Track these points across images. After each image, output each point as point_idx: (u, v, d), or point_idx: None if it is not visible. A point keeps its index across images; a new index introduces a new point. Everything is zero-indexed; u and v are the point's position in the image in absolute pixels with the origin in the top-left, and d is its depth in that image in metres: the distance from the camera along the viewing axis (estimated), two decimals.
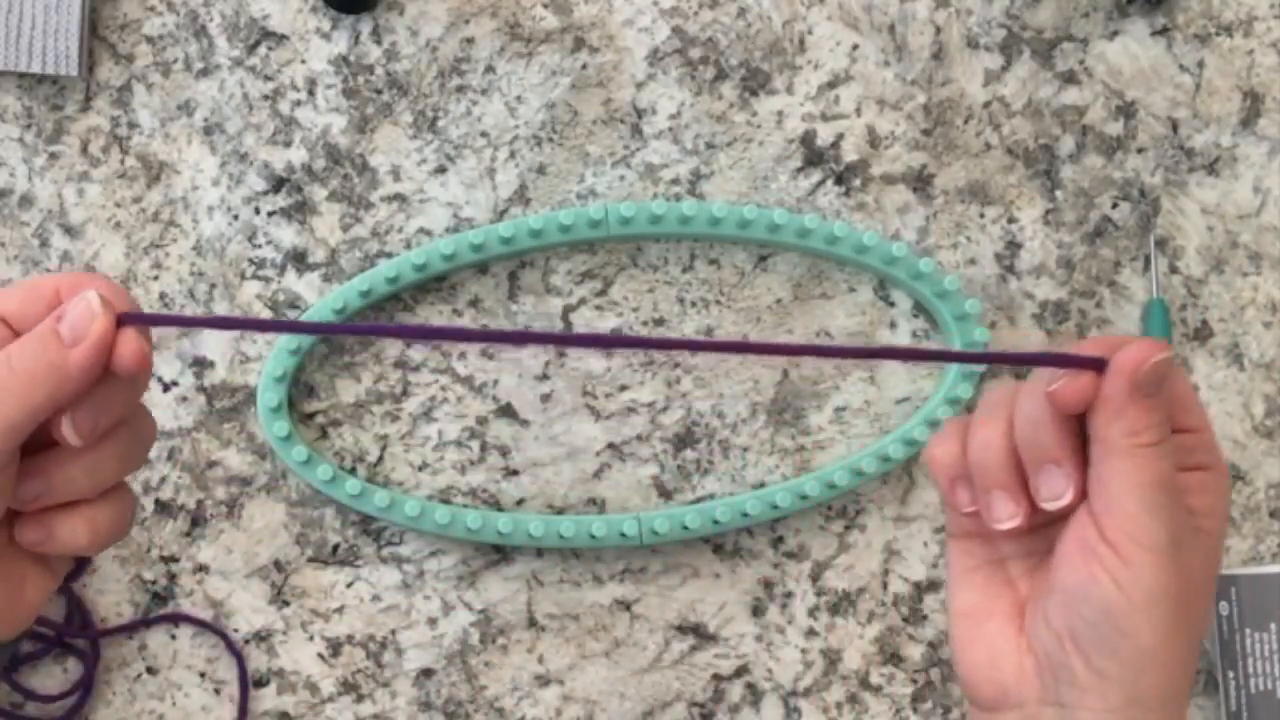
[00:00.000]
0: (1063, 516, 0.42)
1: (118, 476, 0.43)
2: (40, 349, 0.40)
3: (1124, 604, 0.39)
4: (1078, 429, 0.41)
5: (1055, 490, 0.41)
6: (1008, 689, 0.43)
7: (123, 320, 0.41)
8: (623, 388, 0.67)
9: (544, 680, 0.67)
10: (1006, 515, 0.42)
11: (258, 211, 0.67)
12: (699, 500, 0.67)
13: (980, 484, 0.43)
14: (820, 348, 0.43)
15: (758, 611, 0.67)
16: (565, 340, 0.39)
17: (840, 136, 0.67)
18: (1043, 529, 0.44)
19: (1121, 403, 0.40)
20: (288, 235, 0.66)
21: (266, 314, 0.66)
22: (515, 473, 0.67)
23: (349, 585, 0.66)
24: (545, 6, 0.67)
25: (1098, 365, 0.40)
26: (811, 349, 0.42)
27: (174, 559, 0.66)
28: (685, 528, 0.65)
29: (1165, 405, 0.40)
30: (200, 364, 0.66)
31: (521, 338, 0.41)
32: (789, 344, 0.38)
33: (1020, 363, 0.40)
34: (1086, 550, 0.40)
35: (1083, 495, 0.41)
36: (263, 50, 0.67)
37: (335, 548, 0.66)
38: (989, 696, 0.43)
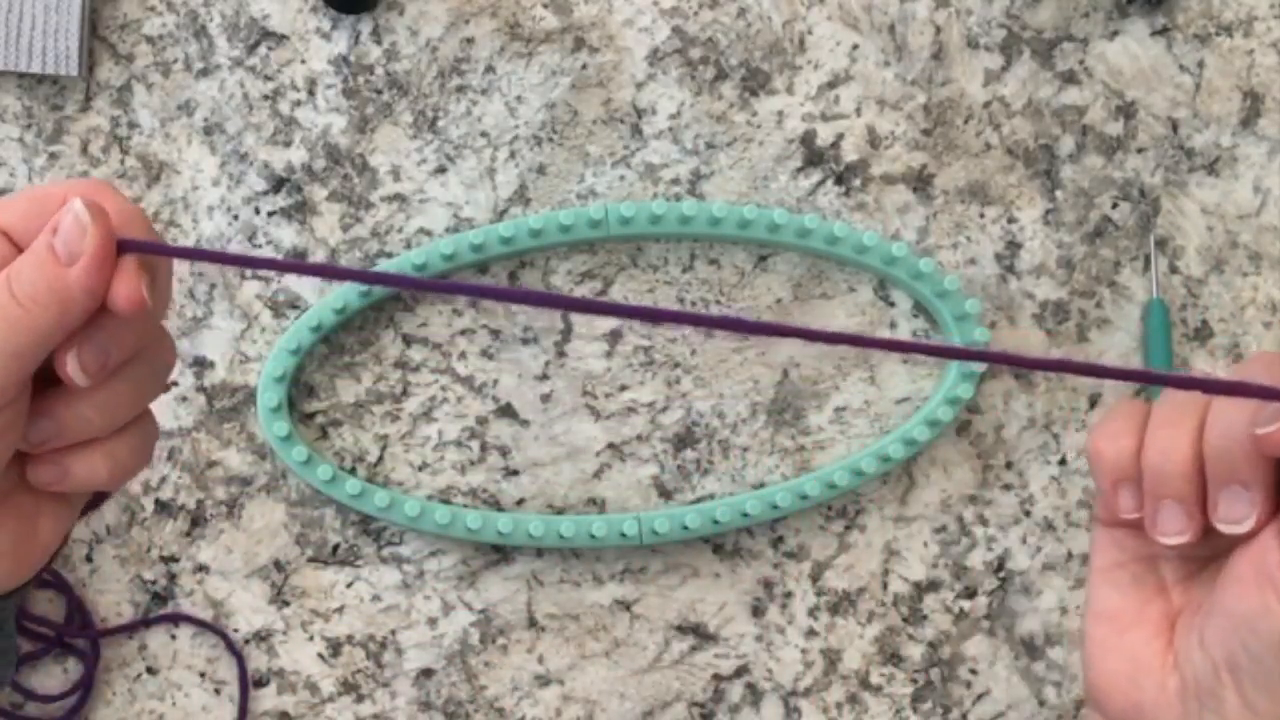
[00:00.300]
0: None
1: (135, 410, 0.39)
2: (38, 268, 0.36)
3: None
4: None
5: (1237, 514, 0.37)
6: (1144, 706, 0.40)
7: (122, 247, 0.36)
8: (623, 388, 0.67)
9: (544, 680, 0.67)
10: (1175, 530, 0.38)
11: (258, 211, 0.67)
12: (699, 500, 0.67)
13: (1152, 491, 0.39)
14: (896, 343, 0.37)
15: (758, 611, 0.67)
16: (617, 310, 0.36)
17: (840, 136, 0.67)
18: (1209, 532, 0.40)
19: None
20: (288, 235, 0.66)
21: (266, 314, 0.66)
22: (515, 473, 0.67)
23: (349, 585, 0.66)
24: (545, 6, 0.67)
25: None
26: (881, 341, 0.36)
27: (174, 559, 0.66)
28: (685, 528, 0.65)
29: None
30: (200, 364, 0.66)
31: (568, 303, 0.36)
32: (823, 332, 0.34)
33: (1210, 391, 0.36)
34: (1262, 577, 0.37)
35: (1265, 522, 0.38)
36: (263, 50, 0.67)
37: (335, 548, 0.66)
38: (1119, 709, 0.40)
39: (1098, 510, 0.42)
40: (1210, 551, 0.40)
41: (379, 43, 0.67)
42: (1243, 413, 0.37)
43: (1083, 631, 0.41)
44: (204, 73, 0.67)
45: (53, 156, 0.66)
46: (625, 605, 0.67)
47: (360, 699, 0.66)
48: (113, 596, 0.66)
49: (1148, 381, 0.36)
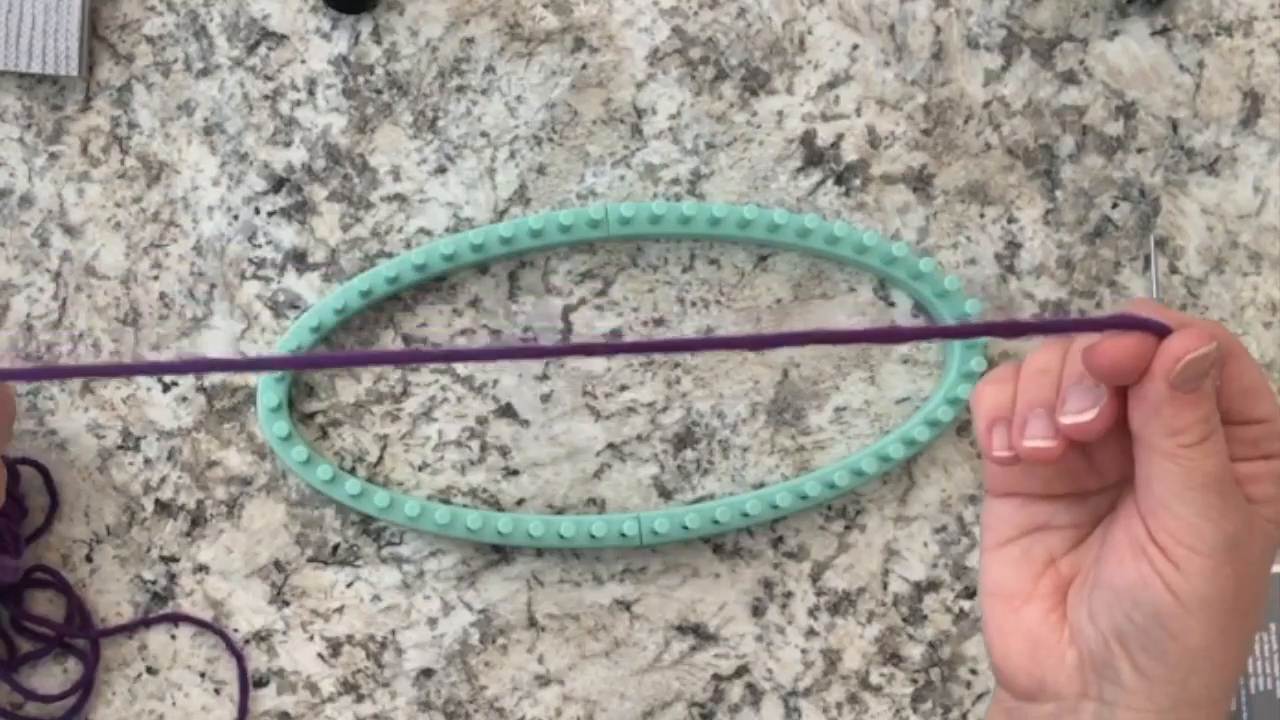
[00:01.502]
0: (1108, 492, 0.40)
1: None
2: None
3: (1175, 608, 0.37)
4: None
5: (1082, 405, 0.38)
6: (1046, 681, 0.41)
7: None
8: (623, 388, 0.67)
9: (544, 680, 0.67)
10: (1041, 433, 0.39)
11: (258, 211, 0.67)
12: (699, 500, 0.67)
13: (1022, 409, 0.40)
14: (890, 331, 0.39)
15: (758, 611, 0.67)
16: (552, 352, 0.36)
17: (840, 136, 0.67)
18: (1088, 496, 0.41)
19: (1158, 400, 0.37)
20: (288, 235, 0.66)
21: (267, 314, 0.66)
22: (515, 473, 0.67)
23: (349, 585, 0.66)
24: (545, 6, 0.67)
25: (1159, 330, 0.37)
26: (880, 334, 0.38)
27: (174, 559, 0.66)
28: (685, 528, 0.65)
29: (1209, 399, 0.37)
30: None
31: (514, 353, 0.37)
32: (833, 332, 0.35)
33: (1062, 330, 0.37)
34: (1136, 549, 0.38)
35: (1112, 426, 0.38)
36: (263, 50, 0.67)
37: (335, 548, 0.66)
38: (1024, 687, 0.41)
39: (986, 482, 0.42)
40: (1092, 517, 0.41)
41: (379, 43, 0.67)
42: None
43: (982, 613, 0.42)
44: (204, 73, 0.67)
45: (53, 156, 0.66)
46: (625, 605, 0.67)
47: (360, 699, 0.66)
48: (113, 596, 0.66)
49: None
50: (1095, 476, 0.42)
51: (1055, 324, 0.38)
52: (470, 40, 0.67)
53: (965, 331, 0.38)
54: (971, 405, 0.41)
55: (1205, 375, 0.37)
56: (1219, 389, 0.38)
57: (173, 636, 0.66)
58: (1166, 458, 0.37)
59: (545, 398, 0.67)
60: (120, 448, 0.66)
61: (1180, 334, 0.37)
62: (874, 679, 0.67)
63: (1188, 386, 0.37)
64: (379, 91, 0.67)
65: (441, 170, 0.67)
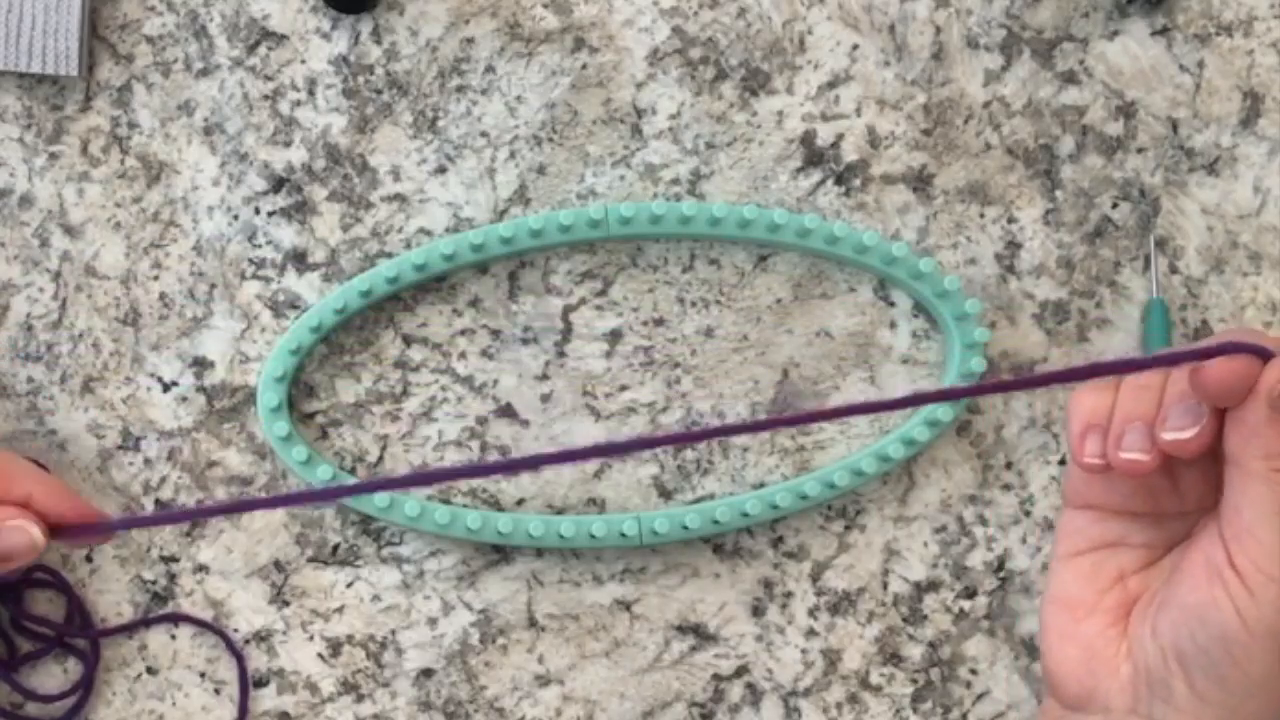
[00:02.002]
0: (1185, 518, 0.40)
1: None
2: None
3: (1242, 634, 0.37)
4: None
5: (1183, 423, 0.38)
6: (1097, 691, 0.41)
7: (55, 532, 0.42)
8: (623, 388, 0.67)
9: (544, 680, 0.67)
10: (1138, 447, 0.39)
11: (258, 211, 0.67)
12: (699, 500, 0.67)
13: (1120, 421, 0.40)
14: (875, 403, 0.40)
15: (758, 611, 0.67)
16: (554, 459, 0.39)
17: (840, 136, 0.67)
18: (1165, 519, 0.41)
19: (1257, 422, 0.37)
20: (288, 235, 0.66)
21: (267, 314, 0.66)
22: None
23: (349, 585, 0.66)
24: (545, 6, 0.67)
25: (1265, 355, 0.37)
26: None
27: (174, 559, 0.66)
28: (685, 528, 0.65)
29: None
30: (200, 364, 0.66)
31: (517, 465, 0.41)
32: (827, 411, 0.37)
33: (1173, 363, 0.38)
34: (1212, 571, 0.38)
35: (1208, 449, 0.39)
36: (263, 50, 0.67)
37: (335, 548, 0.66)
38: (1074, 695, 0.41)
39: (1065, 492, 0.43)
40: (1166, 539, 0.41)
41: (379, 43, 0.67)
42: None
43: (1041, 618, 0.42)
44: (204, 73, 0.67)
45: (53, 156, 0.66)
46: (625, 605, 0.67)
47: (360, 699, 0.66)
48: (113, 596, 0.66)
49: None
50: (1177, 500, 0.42)
51: (1163, 359, 0.38)
52: (470, 40, 0.67)
53: (1081, 374, 0.39)
54: (1069, 410, 0.42)
55: None
56: None
57: (173, 636, 0.66)
58: (1260, 480, 0.37)
59: (545, 398, 0.67)
60: (120, 448, 0.66)
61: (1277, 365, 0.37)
62: (874, 679, 0.67)
63: (1277, 411, 0.37)
64: (379, 91, 0.67)
65: (441, 170, 0.67)
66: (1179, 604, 0.39)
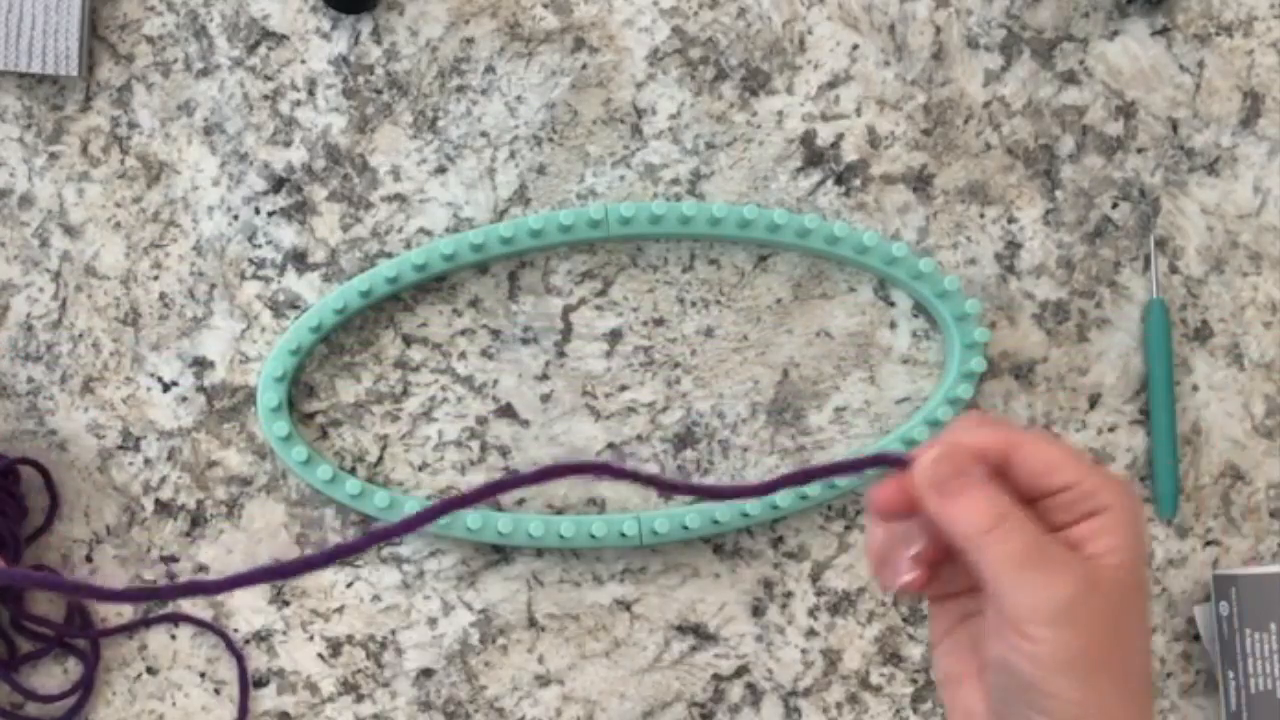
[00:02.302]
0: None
1: None
2: None
3: (1039, 675, 0.39)
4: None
5: (899, 570, 0.44)
6: None
7: None
8: (623, 388, 0.67)
9: (544, 680, 0.67)
10: (905, 570, 0.44)
11: (258, 211, 0.67)
12: (699, 500, 0.67)
13: (881, 555, 0.44)
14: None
15: (758, 611, 0.67)
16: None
17: (840, 136, 0.67)
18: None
19: (938, 514, 0.41)
20: (288, 235, 0.66)
21: (267, 314, 0.66)
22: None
23: (349, 585, 0.66)
24: (545, 6, 0.67)
25: (903, 464, 0.42)
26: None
27: (174, 559, 0.66)
28: (685, 528, 0.65)
29: (981, 490, 0.41)
30: (200, 364, 0.66)
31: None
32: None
33: (827, 475, 0.44)
34: (997, 630, 0.41)
35: (930, 570, 0.43)
36: (263, 50, 0.67)
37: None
38: None
39: (929, 594, 0.46)
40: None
41: (379, 43, 0.67)
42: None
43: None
44: (204, 73, 0.67)
45: (53, 156, 0.66)
46: (625, 605, 0.67)
47: (360, 699, 0.66)
48: None
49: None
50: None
51: (821, 470, 0.43)
52: (470, 40, 0.67)
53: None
54: (866, 551, 0.45)
55: (960, 471, 0.41)
56: (1013, 475, 0.42)
57: (173, 636, 0.66)
58: (978, 551, 0.40)
59: (545, 398, 0.67)
60: (120, 448, 0.66)
61: (916, 465, 0.41)
62: (874, 679, 0.67)
63: (949, 488, 0.41)
64: (379, 91, 0.67)
65: (441, 170, 0.67)
66: (988, 661, 0.42)
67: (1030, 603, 0.39)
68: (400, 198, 0.66)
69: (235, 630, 0.66)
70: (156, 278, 0.66)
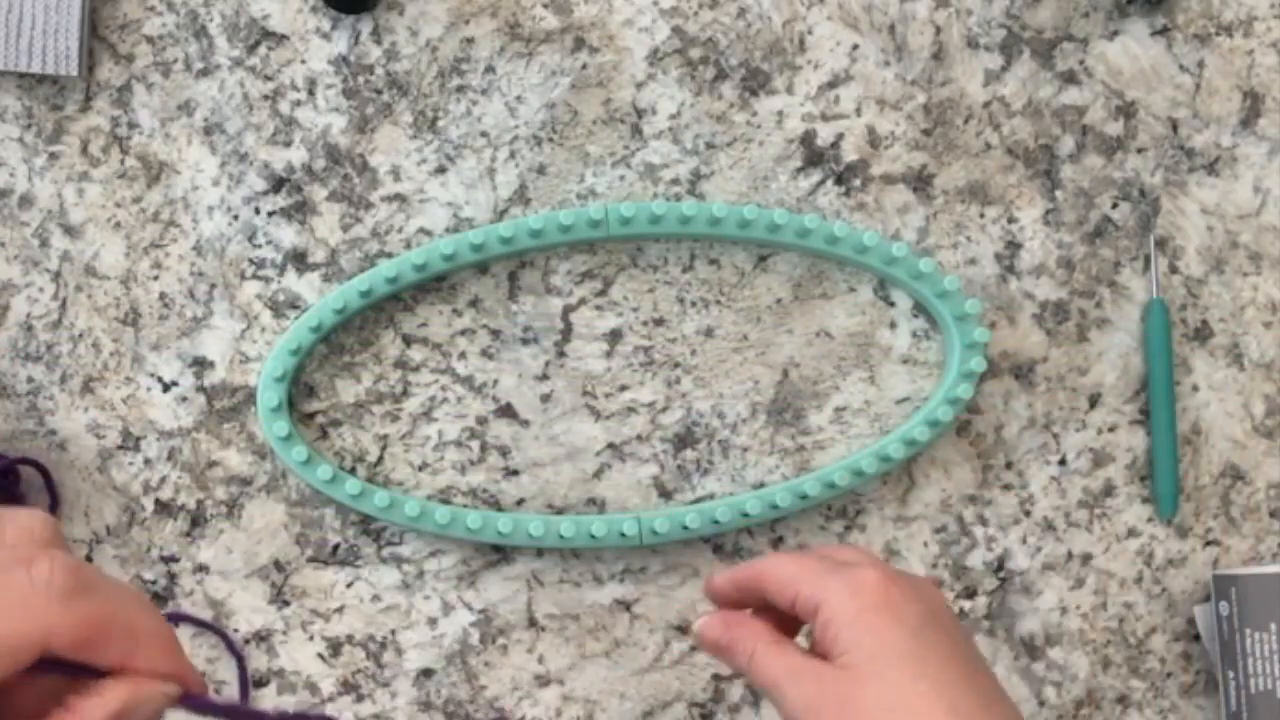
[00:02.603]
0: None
1: None
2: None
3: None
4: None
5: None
6: None
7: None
8: (623, 388, 0.67)
9: (544, 680, 0.67)
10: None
11: (258, 211, 0.67)
12: (699, 500, 0.67)
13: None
14: None
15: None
16: None
17: (840, 136, 0.67)
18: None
19: (698, 646, 0.52)
20: (288, 235, 0.66)
21: (267, 314, 0.66)
22: (515, 473, 0.67)
23: (349, 585, 0.66)
24: (545, 6, 0.67)
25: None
26: None
27: (174, 559, 0.66)
28: (685, 528, 0.65)
29: (742, 626, 0.51)
30: (200, 364, 0.66)
31: None
32: None
33: None
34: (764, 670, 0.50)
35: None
36: (263, 50, 0.67)
37: (335, 548, 0.66)
38: None
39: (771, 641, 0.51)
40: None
41: (379, 43, 0.67)
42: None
43: None
44: (204, 73, 0.67)
45: (53, 156, 0.66)
46: (625, 605, 0.67)
47: (360, 699, 0.66)
48: None
49: None
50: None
51: None
52: (470, 40, 0.67)
53: None
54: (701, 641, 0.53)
55: (729, 629, 0.51)
56: (770, 596, 0.50)
57: None
58: (751, 674, 0.50)
59: (545, 398, 0.67)
60: (120, 448, 0.66)
61: (697, 635, 0.52)
62: None
63: (723, 652, 0.51)
64: (379, 91, 0.67)
65: (441, 170, 0.67)
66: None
67: (788, 700, 0.48)
68: (400, 198, 0.66)
69: (235, 630, 0.66)
70: (156, 278, 0.66)
